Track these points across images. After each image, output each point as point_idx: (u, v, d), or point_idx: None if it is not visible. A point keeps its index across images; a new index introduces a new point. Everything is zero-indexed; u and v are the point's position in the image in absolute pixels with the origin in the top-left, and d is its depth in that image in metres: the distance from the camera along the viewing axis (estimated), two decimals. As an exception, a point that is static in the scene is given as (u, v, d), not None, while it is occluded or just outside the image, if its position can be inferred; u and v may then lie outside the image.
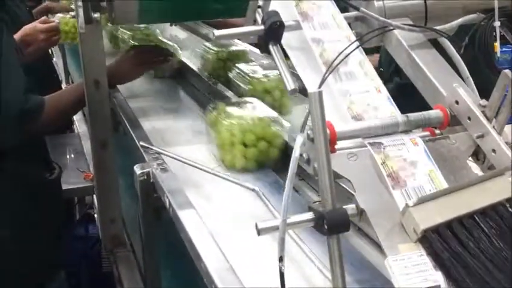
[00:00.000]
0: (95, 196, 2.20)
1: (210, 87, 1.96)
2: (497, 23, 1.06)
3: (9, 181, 1.77)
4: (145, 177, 1.37)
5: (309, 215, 0.78)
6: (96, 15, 1.50)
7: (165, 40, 2.40)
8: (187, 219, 1.18)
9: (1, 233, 1.75)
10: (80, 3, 1.45)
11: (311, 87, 0.93)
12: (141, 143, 1.51)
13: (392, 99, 0.94)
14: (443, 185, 0.82)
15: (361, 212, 0.80)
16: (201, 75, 2.08)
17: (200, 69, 2.14)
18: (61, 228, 2.03)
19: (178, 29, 2.81)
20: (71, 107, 1.90)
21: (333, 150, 0.85)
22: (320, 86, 0.92)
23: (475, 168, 0.87)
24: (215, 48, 2.09)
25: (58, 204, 2.04)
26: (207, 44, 2.18)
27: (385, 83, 0.97)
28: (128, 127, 1.68)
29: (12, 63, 1.68)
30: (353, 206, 0.80)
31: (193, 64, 2.23)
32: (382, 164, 0.84)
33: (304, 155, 0.85)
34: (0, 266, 1.74)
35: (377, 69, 1.02)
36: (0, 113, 1.61)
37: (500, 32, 1.07)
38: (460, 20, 1.05)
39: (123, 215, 1.95)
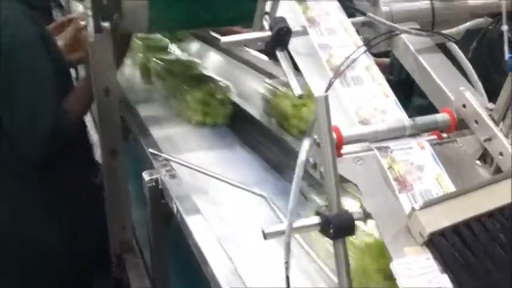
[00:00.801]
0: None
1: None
2: (505, 27, 1.06)
3: (60, 185, 1.82)
4: (154, 184, 1.38)
5: (316, 219, 0.78)
6: (106, 24, 1.51)
7: (213, 75, 1.99)
8: (195, 224, 1.18)
9: (53, 237, 1.81)
10: (89, 13, 1.46)
11: (317, 91, 0.93)
12: (150, 149, 1.52)
13: (400, 104, 0.94)
14: (451, 188, 0.82)
15: (367, 216, 0.79)
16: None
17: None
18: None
19: (219, 55, 2.38)
20: (86, 106, 1.90)
21: (340, 155, 0.85)
22: (327, 91, 0.92)
23: (483, 172, 0.87)
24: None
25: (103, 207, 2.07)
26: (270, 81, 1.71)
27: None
28: (137, 134, 1.69)
29: (48, 81, 1.70)
30: (359, 209, 0.80)
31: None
32: (388, 168, 0.84)
33: (311, 160, 0.85)
34: (51, 268, 1.81)
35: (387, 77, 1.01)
36: (32, 131, 1.67)
37: (509, 36, 1.07)
38: (467, 24, 1.05)
39: (132, 221, 1.95)
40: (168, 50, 2.28)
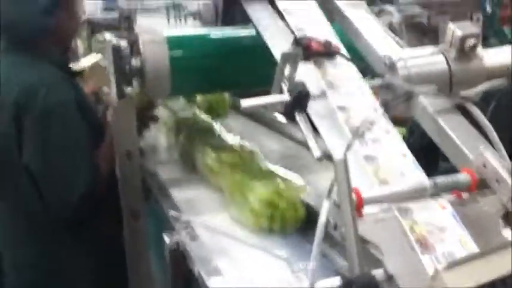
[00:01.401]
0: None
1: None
2: (522, 88, 1.07)
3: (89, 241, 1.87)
4: (175, 246, 1.38)
5: (337, 280, 0.78)
6: (129, 89, 1.55)
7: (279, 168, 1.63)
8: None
9: None
10: (112, 79, 1.50)
11: (337, 154, 0.94)
12: (172, 212, 1.53)
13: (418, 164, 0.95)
14: (474, 249, 0.81)
15: (390, 277, 0.79)
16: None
17: None
18: None
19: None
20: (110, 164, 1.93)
21: (360, 215, 0.85)
22: (346, 153, 0.92)
23: (506, 232, 0.86)
24: None
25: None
26: None
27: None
28: (157, 195, 1.70)
29: (82, 142, 1.75)
30: (381, 270, 0.79)
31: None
32: (410, 229, 0.84)
33: (332, 221, 0.85)
34: None
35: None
36: (67, 195, 1.73)
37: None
38: (485, 86, 1.06)
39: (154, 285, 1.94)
40: (214, 131, 1.96)
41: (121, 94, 1.52)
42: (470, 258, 0.76)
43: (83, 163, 1.75)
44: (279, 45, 1.16)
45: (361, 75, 1.09)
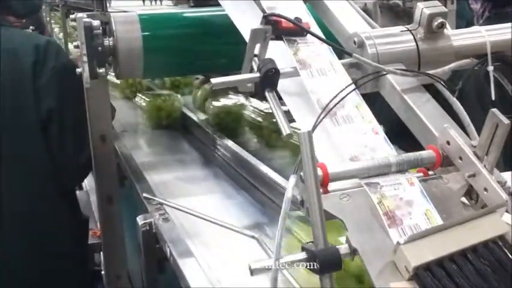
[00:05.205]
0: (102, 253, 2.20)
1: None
2: (490, 68, 1.08)
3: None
4: (148, 228, 1.38)
5: (302, 255, 0.78)
6: (102, 70, 1.54)
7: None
8: (188, 267, 1.18)
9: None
10: (85, 59, 1.49)
11: (303, 128, 0.94)
12: (144, 194, 1.53)
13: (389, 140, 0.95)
14: (439, 223, 0.82)
15: (353, 251, 0.79)
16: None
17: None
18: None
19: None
20: None
21: (326, 191, 0.85)
22: (314, 128, 0.93)
23: (468, 208, 0.87)
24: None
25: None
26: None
27: None
28: (132, 179, 1.69)
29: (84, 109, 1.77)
30: (345, 245, 0.80)
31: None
32: (378, 203, 0.84)
33: (298, 197, 0.85)
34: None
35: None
36: (80, 158, 1.85)
37: (494, 76, 1.09)
38: (453, 65, 1.07)
39: (129, 270, 1.94)
40: None
41: (94, 75, 1.51)
42: (431, 232, 0.77)
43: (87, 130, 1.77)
44: (247, 24, 1.15)
45: (333, 53, 1.09)
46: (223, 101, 2.11)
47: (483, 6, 2.05)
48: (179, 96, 2.40)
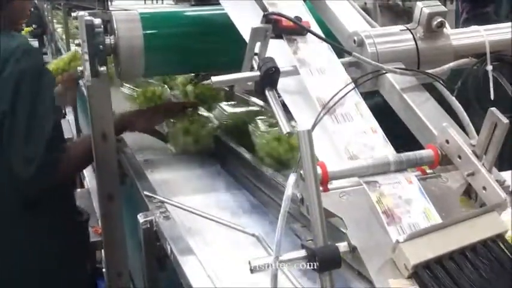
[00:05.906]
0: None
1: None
2: (489, 67, 1.08)
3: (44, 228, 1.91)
4: (149, 225, 1.38)
5: (301, 253, 0.79)
6: (103, 68, 1.54)
7: None
8: (188, 265, 1.18)
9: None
10: (86, 57, 1.49)
11: (302, 126, 0.95)
12: (145, 192, 1.53)
13: (388, 140, 0.96)
14: (438, 221, 0.82)
15: (353, 249, 0.80)
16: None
17: None
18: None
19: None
20: (81, 161, 1.95)
21: (326, 189, 0.86)
22: (314, 126, 0.93)
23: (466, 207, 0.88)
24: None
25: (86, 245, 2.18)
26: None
27: None
28: (134, 177, 1.70)
29: (41, 116, 1.76)
30: (345, 243, 0.80)
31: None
32: (377, 201, 0.85)
33: (298, 195, 0.86)
34: None
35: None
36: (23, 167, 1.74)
37: (493, 75, 1.09)
38: (451, 64, 1.08)
39: (130, 268, 1.95)
40: None
41: (95, 73, 1.51)
42: (430, 230, 0.78)
43: (48, 124, 1.75)
44: (247, 23, 1.16)
45: (332, 52, 1.09)
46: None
47: (461, 8, 2.05)
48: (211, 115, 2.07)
